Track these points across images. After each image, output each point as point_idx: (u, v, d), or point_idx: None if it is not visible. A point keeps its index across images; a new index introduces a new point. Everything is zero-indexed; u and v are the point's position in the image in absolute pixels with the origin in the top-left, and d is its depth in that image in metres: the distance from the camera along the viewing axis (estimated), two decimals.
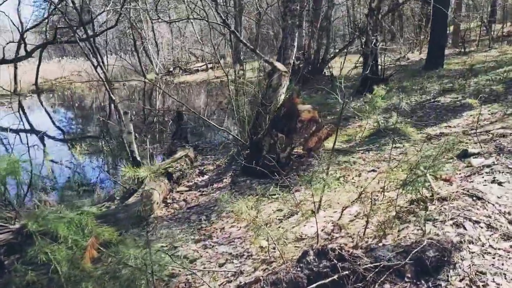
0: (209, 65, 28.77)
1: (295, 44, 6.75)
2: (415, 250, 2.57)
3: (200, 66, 28.16)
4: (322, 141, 5.12)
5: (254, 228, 3.03)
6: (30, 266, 2.60)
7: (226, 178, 5.37)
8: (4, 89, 19.91)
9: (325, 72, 16.09)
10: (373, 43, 11.03)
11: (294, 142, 5.06)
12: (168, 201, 4.85)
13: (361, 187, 4.40)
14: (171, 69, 28.55)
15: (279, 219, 3.96)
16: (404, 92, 10.30)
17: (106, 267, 2.71)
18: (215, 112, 12.05)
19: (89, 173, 7.02)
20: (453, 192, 3.72)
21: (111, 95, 5.85)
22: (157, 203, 4.53)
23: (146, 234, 3.57)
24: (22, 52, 22.98)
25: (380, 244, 2.98)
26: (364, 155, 5.80)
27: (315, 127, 5.06)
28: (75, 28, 25.63)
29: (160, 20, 21.19)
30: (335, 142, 4.29)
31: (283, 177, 4.95)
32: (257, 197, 4.55)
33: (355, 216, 3.76)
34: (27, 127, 14.44)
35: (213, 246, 3.56)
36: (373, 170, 4.93)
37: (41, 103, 20.72)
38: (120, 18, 24.19)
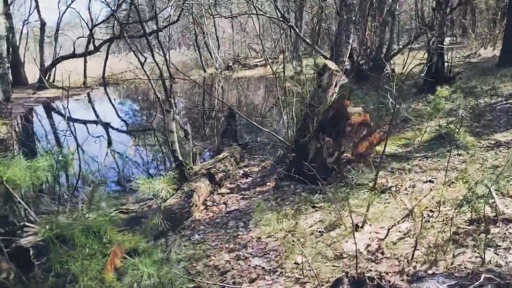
0: (268, 60, 28.55)
1: (350, 41, 6.36)
2: (471, 286, 2.20)
3: (259, 61, 28.04)
4: (373, 147, 4.74)
5: (285, 243, 2.78)
6: (53, 272, 2.53)
7: (270, 182, 5.15)
8: (59, 87, 20.96)
9: (386, 69, 15.32)
10: (439, 39, 10.29)
11: (342, 146, 4.72)
12: (208, 203, 4.71)
13: (415, 199, 4.01)
14: (231, 64, 28.75)
15: (320, 231, 3.67)
16: (473, 92, 9.52)
17: (131, 278, 2.58)
18: (269, 110, 11.82)
19: (141, 167, 7.08)
20: None
21: (155, 92, 5.80)
22: (196, 206, 4.41)
23: (167, 250, 3.44)
24: (91, 47, 24.06)
25: (430, 272, 2.62)
26: (421, 162, 5.34)
27: (366, 131, 4.69)
28: (139, 23, 26.39)
29: (219, 15, 21.31)
30: (384, 148, 3.92)
31: (328, 185, 4.66)
32: (298, 205, 4.30)
33: (404, 234, 3.40)
34: (93, 118, 15.00)
35: (246, 257, 3.35)
36: (430, 181, 4.49)
37: (107, 95, 21.60)
38: (183, 13, 24.69)
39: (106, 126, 12.95)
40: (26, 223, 2.80)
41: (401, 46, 15.40)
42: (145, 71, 6.09)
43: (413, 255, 2.86)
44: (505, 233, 2.98)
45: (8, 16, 20.98)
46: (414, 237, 3.26)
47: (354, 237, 2.78)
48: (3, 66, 3.32)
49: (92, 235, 2.38)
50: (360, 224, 3.56)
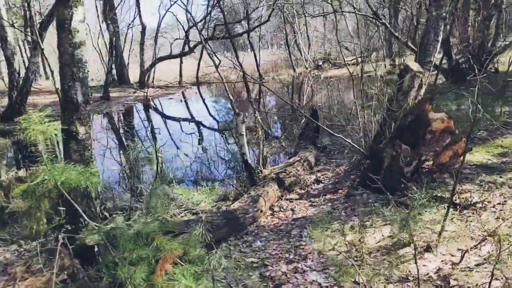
0: (359, 59, 27.68)
1: (439, 39, 5.83)
2: None
3: (350, 60, 27.24)
4: (458, 157, 4.27)
5: (336, 263, 2.58)
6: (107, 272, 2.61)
7: (342, 189, 4.90)
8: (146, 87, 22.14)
9: (490, 68, 13.91)
10: None
11: (422, 155, 4.33)
12: (275, 209, 4.61)
13: (502, 219, 3.54)
14: (320, 63, 28.37)
15: (387, 248, 3.39)
16: None
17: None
18: (350, 112, 11.37)
19: (213, 169, 7.19)
20: None
21: (229, 94, 5.83)
22: (262, 211, 4.33)
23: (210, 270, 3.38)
24: (187, 49, 25.26)
25: None
26: None
27: (449, 139, 4.25)
28: (229, 24, 27.04)
29: (308, 14, 21.06)
30: (464, 157, 3.49)
31: (405, 196, 4.30)
32: (368, 216, 4.02)
33: (485, 259, 2.99)
34: (182, 116, 15.67)
35: (304, 271, 3.19)
36: None
37: (200, 94, 22.51)
38: (274, 13, 24.87)
39: (195, 123, 13.47)
40: (90, 222, 2.92)
41: (507, 43, 13.87)
42: (219, 73, 6.12)
43: (489, 286, 2.49)
44: None
45: (113, 20, 22.79)
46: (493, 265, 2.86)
47: (415, 261, 2.49)
48: (83, 70, 3.51)
49: (142, 241, 2.41)
50: (433, 244, 3.21)
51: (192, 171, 6.81)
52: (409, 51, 16.19)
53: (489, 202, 3.91)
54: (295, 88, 22.29)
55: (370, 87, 5.32)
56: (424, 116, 4.24)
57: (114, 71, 24.67)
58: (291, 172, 5.16)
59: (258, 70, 26.79)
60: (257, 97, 18.97)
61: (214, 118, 15.01)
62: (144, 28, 24.20)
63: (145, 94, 19.15)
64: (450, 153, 4.26)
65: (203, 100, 20.48)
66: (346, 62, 27.67)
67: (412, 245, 3.27)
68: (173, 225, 2.89)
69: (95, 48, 25.50)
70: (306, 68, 27.94)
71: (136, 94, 22.45)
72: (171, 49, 26.56)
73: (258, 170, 5.01)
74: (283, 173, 5.06)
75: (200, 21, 25.59)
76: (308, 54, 29.60)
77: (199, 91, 23.98)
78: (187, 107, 18.72)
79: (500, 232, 2.80)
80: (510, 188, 4.29)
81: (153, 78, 25.86)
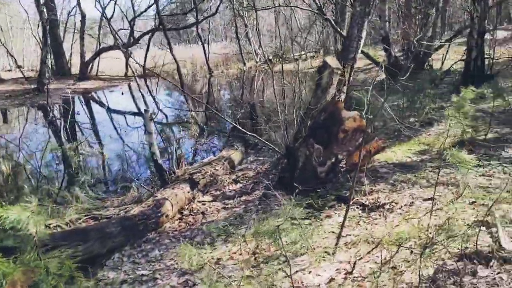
0: (309, 54, 27.97)
1: (363, 35, 5.74)
2: None
3: (300, 55, 27.31)
4: (370, 156, 4.19)
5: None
6: None
7: (259, 190, 4.71)
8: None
9: (427, 66, 14.25)
10: (479, 33, 9.37)
11: (336, 155, 4.20)
12: (185, 212, 4.34)
13: (406, 220, 3.46)
14: (271, 58, 28.26)
15: (291, 256, 3.20)
16: None
17: None
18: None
19: (142, 167, 6.82)
20: None
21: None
22: (167, 216, 4.04)
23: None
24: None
25: None
26: (432, 175, 4.70)
27: (362, 138, 4.14)
28: (178, 15, 26.41)
29: (250, 7, 20.84)
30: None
31: (319, 197, 4.18)
32: (278, 220, 3.83)
33: (383, 264, 2.86)
34: (128, 109, 14.94)
35: (195, 284, 2.95)
36: (431, 199, 3.88)
37: (148, 87, 21.71)
38: (225, 5, 24.44)
39: (135, 118, 12.83)
40: None
41: (443, 41, 14.26)
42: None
43: None
44: (494, 279, 2.39)
45: (50, 8, 21.58)
46: (394, 271, 2.75)
47: (290, 277, 2.30)
48: None
49: None
50: (331, 251, 3.06)
51: (111, 171, 6.40)
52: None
53: (397, 203, 3.83)
54: (245, 82, 22.06)
55: (289, 84, 5.15)
56: (337, 115, 4.10)
57: (53, 62, 23.46)
58: (207, 172, 4.91)
59: (207, 64, 26.34)
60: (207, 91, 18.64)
61: (163, 112, 14.36)
62: (84, 17, 23.08)
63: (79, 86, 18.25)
64: (363, 153, 4.15)
65: (150, 93, 19.76)
66: (295, 57, 27.76)
67: (311, 253, 3.12)
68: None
69: (34, 37, 24.13)
70: (257, 62, 27.77)
71: (75, 86, 21.46)
72: (115, 40, 25.54)
73: (171, 171, 4.72)
74: (197, 174, 4.79)
75: (145, 11, 24.75)
76: (259, 48, 29.42)
77: (145, 83, 23.16)
78: (134, 100, 18.02)
79: (387, 239, 2.68)
80: (421, 188, 4.24)
81: (97, 69, 24.83)
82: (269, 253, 3.26)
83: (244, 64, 27.12)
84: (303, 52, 26.03)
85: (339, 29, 17.41)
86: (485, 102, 8.16)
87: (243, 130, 4.80)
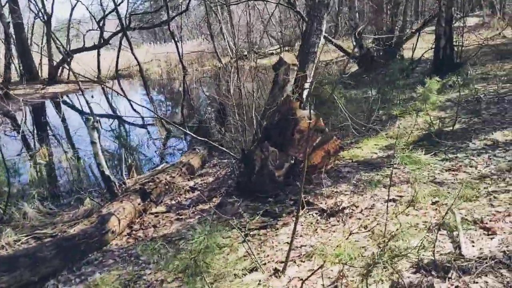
0: (284, 48, 27.69)
1: (323, 28, 5.51)
2: None
3: (275, 50, 27.04)
4: (329, 156, 3.95)
5: None
6: None
7: (216, 197, 4.43)
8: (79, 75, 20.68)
9: (398, 56, 14.12)
10: (446, 20, 9.24)
11: (292, 157, 3.95)
12: (135, 226, 4.04)
13: (364, 227, 3.23)
14: (245, 53, 27.90)
15: (244, 272, 2.93)
16: (485, 78, 8.49)
17: None
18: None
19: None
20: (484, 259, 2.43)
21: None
22: (113, 232, 3.74)
23: None
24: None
25: None
26: (397, 172, 4.50)
27: (319, 138, 3.90)
28: (150, 13, 25.82)
29: (225, 3, 20.52)
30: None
31: (278, 203, 3.93)
32: (231, 231, 3.57)
33: (335, 280, 2.62)
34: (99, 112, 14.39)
35: None
36: (394, 200, 3.66)
37: (121, 88, 21.12)
38: (196, 1, 23.91)
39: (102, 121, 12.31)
40: None
41: (413, 30, 14.13)
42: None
43: None
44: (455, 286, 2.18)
45: (14, 10, 20.84)
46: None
47: None
48: None
49: None
50: (281, 267, 2.80)
51: (68, 181, 6.04)
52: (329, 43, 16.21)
53: (357, 206, 3.61)
54: (220, 79, 21.62)
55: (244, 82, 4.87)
56: (292, 114, 3.85)
57: (19, 66, 22.75)
58: (161, 180, 4.60)
59: (181, 62, 25.90)
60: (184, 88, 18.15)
61: (138, 113, 13.82)
62: (49, 18, 22.34)
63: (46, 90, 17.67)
64: (322, 153, 3.92)
65: (125, 95, 19.16)
66: (271, 51, 27.38)
67: (261, 269, 2.85)
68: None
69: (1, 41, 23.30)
70: (231, 58, 27.41)
71: (44, 91, 20.82)
72: (84, 41, 24.88)
73: (120, 182, 4.40)
74: (150, 183, 4.48)
75: (112, 11, 24.11)
76: (234, 44, 29.02)
77: (119, 84, 22.58)
78: (108, 103, 17.46)
79: (339, 252, 2.44)
80: (384, 187, 4.02)
81: (68, 72, 24.14)
82: (219, 270, 2.98)
83: (220, 61, 26.76)
84: (277, 47, 25.74)
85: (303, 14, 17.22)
86: (454, 91, 8.03)
87: (193, 135, 4.49)
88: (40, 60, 24.17)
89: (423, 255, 2.62)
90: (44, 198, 5.54)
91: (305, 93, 5.32)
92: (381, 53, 14.42)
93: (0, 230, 4.31)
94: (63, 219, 4.66)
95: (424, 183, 4.03)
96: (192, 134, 4.41)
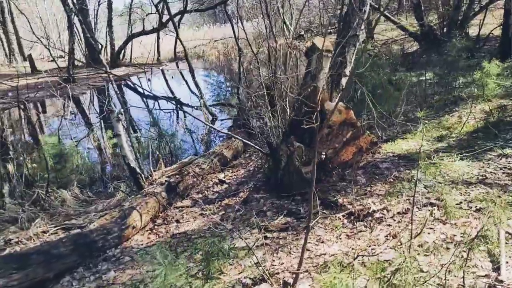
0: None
1: (367, 8, 5.05)
2: None
3: (334, 28, 26.11)
4: (362, 153, 3.60)
5: None
6: None
7: (243, 192, 4.24)
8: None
9: (463, 33, 12.95)
10: None
11: (319, 153, 3.65)
12: (158, 221, 3.95)
13: (393, 236, 2.90)
14: (302, 33, 27.21)
15: (254, 282, 2.73)
16: None
17: None
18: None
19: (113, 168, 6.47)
20: None
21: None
22: (135, 227, 3.67)
23: None
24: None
25: None
26: (444, 168, 4.05)
27: (350, 133, 3.56)
28: None
29: None
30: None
31: (304, 202, 3.67)
32: (251, 232, 3.37)
33: None
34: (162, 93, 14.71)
35: None
36: (431, 204, 3.27)
37: (180, 71, 21.47)
38: None
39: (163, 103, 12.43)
40: None
41: (482, 5, 12.89)
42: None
43: None
44: None
45: None
46: None
47: None
48: None
49: None
50: (291, 280, 2.56)
51: (112, 167, 6.10)
52: (385, 18, 15.29)
53: (389, 210, 3.26)
54: (277, 60, 21.24)
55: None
56: (320, 107, 3.53)
57: (86, 51, 23.81)
58: (189, 173, 4.48)
59: (237, 43, 25.85)
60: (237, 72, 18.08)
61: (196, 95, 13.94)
62: (110, 4, 23.05)
63: (112, 74, 18.29)
64: (353, 149, 3.59)
65: (183, 76, 19.45)
66: (329, 31, 26.49)
67: (269, 281, 2.64)
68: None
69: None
70: (287, 39, 26.83)
71: (106, 75, 21.65)
72: (143, 25, 25.49)
73: (147, 174, 4.34)
74: (177, 175, 4.38)
75: None
76: (291, 24, 28.46)
77: (177, 67, 23.01)
78: (167, 85, 17.89)
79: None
80: (426, 188, 3.62)
81: (131, 56, 24.95)
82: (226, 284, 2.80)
83: (276, 41, 26.22)
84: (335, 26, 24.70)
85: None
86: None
87: (217, 129, 4.30)
88: (108, 44, 25.06)
89: (453, 275, 2.27)
90: (86, 184, 5.65)
91: (343, 81, 4.94)
92: (444, 31, 13.38)
93: (34, 218, 4.41)
94: (97, 208, 4.70)
95: (471, 184, 3.59)
96: (216, 129, 4.23)
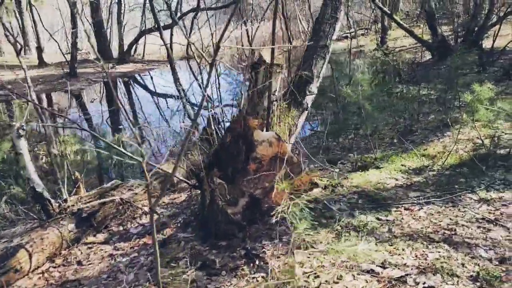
0: (360, 32, 25.99)
1: (340, 16, 4.33)
2: None
3: (351, 32, 25.25)
4: (300, 194, 2.89)
5: None
6: None
7: (170, 228, 3.56)
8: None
9: (481, 44, 11.95)
10: None
11: (246, 193, 2.95)
12: (58, 261, 3.31)
13: None
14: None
15: None
16: None
17: None
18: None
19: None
20: None
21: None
22: (17, 271, 3.02)
23: None
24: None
25: None
26: (407, 216, 3.33)
27: (284, 170, 2.86)
28: None
29: None
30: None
31: (227, 250, 3.01)
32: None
33: None
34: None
35: None
36: (372, 271, 2.54)
37: (191, 69, 20.87)
38: None
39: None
40: None
41: (500, 16, 11.89)
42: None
43: None
44: None
45: None
46: None
47: None
48: None
49: None
50: None
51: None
52: (395, 23, 14.41)
53: (318, 276, 2.54)
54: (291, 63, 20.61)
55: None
56: (248, 136, 2.84)
57: (95, 45, 23.49)
58: (115, 199, 3.82)
59: (250, 44, 25.24)
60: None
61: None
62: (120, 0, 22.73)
63: (110, 69, 17.90)
64: (287, 191, 2.87)
65: (195, 77, 18.79)
66: (346, 35, 25.58)
67: None
68: None
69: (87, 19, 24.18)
70: (303, 41, 26.05)
71: (112, 70, 21.31)
72: (156, 21, 25.02)
73: (61, 200, 3.70)
74: (98, 202, 3.72)
75: None
76: (307, 26, 27.71)
77: (189, 65, 22.38)
78: (176, 83, 17.33)
79: None
80: (377, 244, 2.88)
81: (143, 52, 24.55)
82: None
83: (291, 42, 25.54)
84: (352, 30, 23.87)
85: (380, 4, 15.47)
86: None
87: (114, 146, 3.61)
88: (117, 39, 24.71)
89: None
90: (22, 200, 5.03)
91: (309, 99, 4.24)
92: (459, 42, 12.49)
93: None
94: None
95: (433, 241, 2.85)
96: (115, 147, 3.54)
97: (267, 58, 3.35)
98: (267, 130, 3.05)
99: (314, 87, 4.27)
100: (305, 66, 4.27)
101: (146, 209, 3.84)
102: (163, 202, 4.11)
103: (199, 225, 3.35)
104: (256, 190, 2.88)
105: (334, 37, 4.37)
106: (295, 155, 5.27)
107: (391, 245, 2.84)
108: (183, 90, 7.96)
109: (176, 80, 8.36)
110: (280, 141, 2.83)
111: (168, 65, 22.14)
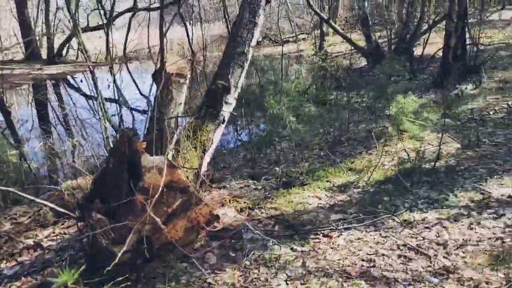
0: (302, 36, 26.12)
1: (259, 21, 3.97)
2: None
3: (292, 37, 25.25)
4: (198, 229, 2.47)
5: None
6: None
7: (55, 266, 3.01)
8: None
9: (412, 52, 12.12)
10: (459, 15, 7.50)
11: (134, 229, 2.48)
12: None
13: None
14: (260, 39, 26.25)
15: None
16: (502, 91, 6.76)
17: None
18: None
19: None
20: None
21: None
22: None
23: None
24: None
25: None
26: (333, 239, 3.01)
27: (179, 202, 2.42)
28: None
29: None
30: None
31: None
32: None
33: None
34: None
35: None
36: None
37: (129, 71, 19.76)
38: None
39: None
40: None
41: (431, 23, 12.16)
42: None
43: None
44: None
45: None
46: None
47: None
48: None
49: None
50: None
51: None
52: (333, 30, 14.40)
53: None
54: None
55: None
56: (134, 161, 2.37)
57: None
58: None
59: (190, 46, 24.48)
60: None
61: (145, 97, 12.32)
62: None
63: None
64: (184, 224, 2.44)
65: (132, 77, 17.62)
66: (287, 39, 25.52)
67: None
68: None
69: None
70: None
71: (38, 72, 19.88)
72: (88, 21, 23.78)
73: None
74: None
75: None
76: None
77: (127, 67, 21.30)
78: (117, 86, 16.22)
79: None
80: (287, 282, 2.51)
81: (77, 53, 23.08)
82: None
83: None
84: (293, 34, 23.86)
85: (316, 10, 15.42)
86: (461, 104, 6.38)
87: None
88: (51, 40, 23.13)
89: None
90: None
91: (227, 112, 3.84)
92: (392, 48, 12.67)
93: None
94: None
95: (349, 277, 2.53)
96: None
97: (173, 66, 2.90)
98: (161, 153, 2.60)
99: (231, 98, 3.88)
100: (221, 75, 3.87)
101: (30, 242, 3.24)
102: (53, 232, 3.53)
103: (87, 265, 2.82)
104: (146, 226, 2.42)
105: (253, 43, 4.00)
106: (215, 173, 4.85)
107: (303, 284, 2.49)
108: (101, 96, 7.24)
109: (95, 83, 7.65)
110: (172, 168, 2.39)
111: (105, 67, 21.05)
